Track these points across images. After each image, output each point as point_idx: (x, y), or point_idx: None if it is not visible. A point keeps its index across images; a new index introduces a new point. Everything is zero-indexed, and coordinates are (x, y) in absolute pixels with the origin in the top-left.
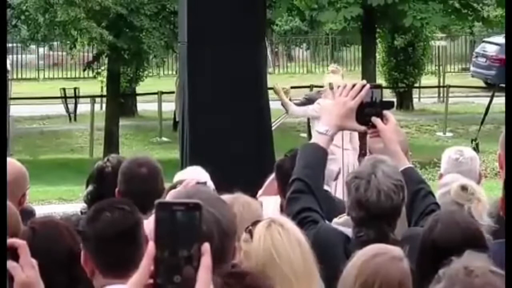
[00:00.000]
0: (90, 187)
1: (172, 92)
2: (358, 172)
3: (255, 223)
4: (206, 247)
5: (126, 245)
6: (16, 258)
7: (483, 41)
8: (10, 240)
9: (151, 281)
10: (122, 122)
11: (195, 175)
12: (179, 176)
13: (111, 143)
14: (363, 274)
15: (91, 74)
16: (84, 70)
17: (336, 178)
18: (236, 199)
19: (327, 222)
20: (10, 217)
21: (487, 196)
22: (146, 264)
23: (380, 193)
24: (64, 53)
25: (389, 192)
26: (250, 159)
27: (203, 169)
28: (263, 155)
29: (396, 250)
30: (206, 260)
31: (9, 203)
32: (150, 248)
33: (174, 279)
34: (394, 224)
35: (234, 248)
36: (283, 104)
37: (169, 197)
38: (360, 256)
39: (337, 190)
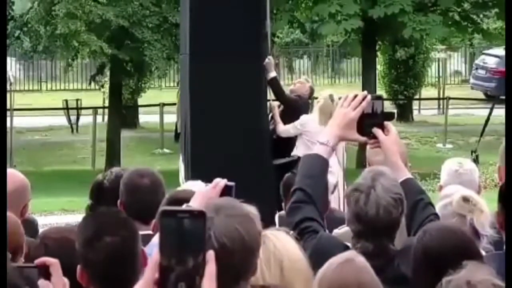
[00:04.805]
0: (89, 203)
1: (174, 104)
2: (358, 185)
3: None
4: (210, 255)
5: (124, 270)
6: (48, 276)
7: (483, 53)
8: (42, 259)
9: None
10: (124, 133)
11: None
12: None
13: (113, 155)
14: (324, 282)
15: (93, 86)
16: (89, 84)
17: (333, 191)
18: None
19: (327, 232)
20: (12, 227)
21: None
22: (150, 271)
23: (379, 207)
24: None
25: (388, 207)
26: (251, 170)
27: (203, 183)
28: (263, 165)
29: (351, 253)
30: (210, 268)
31: (11, 214)
32: (155, 256)
33: (178, 286)
34: (393, 236)
35: (255, 265)
36: (274, 122)
37: (198, 206)
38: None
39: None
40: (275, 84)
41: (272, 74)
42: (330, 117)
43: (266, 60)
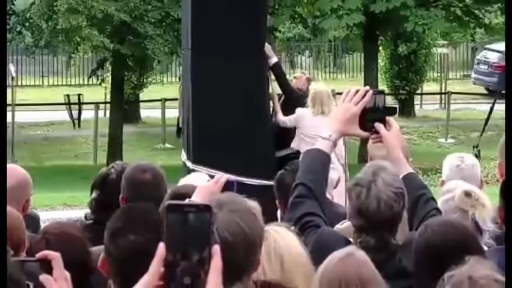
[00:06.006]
0: (94, 194)
1: (176, 99)
2: (359, 179)
3: None
4: (216, 249)
5: (143, 271)
6: (49, 270)
7: (485, 48)
8: (44, 252)
9: (160, 283)
10: (126, 128)
11: (198, 182)
12: (182, 182)
13: (115, 150)
14: (325, 277)
15: (95, 81)
16: (89, 78)
17: (335, 186)
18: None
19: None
20: (14, 222)
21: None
22: (155, 266)
23: (380, 202)
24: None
25: (389, 201)
26: (253, 165)
27: (205, 178)
28: (266, 160)
29: (352, 248)
30: (216, 262)
31: (13, 209)
32: (161, 250)
33: (184, 280)
34: (395, 230)
35: (258, 261)
36: (273, 111)
37: (200, 200)
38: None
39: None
40: (278, 70)
41: (274, 59)
42: (322, 104)
43: (265, 47)
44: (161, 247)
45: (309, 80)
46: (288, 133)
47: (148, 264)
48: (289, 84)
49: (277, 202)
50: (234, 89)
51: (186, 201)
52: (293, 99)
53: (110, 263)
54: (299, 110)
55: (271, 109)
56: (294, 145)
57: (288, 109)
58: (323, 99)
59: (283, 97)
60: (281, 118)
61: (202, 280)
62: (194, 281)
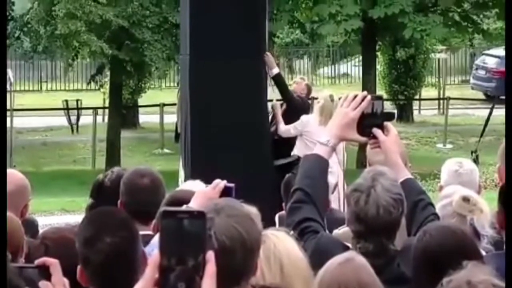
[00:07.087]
0: (89, 202)
1: (174, 104)
2: (357, 185)
3: None
4: (210, 255)
5: (124, 271)
6: (48, 276)
7: (483, 54)
8: (42, 259)
9: None
10: (124, 133)
11: (195, 188)
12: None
13: (113, 155)
14: (324, 282)
15: (93, 86)
16: (88, 84)
17: (333, 191)
18: None
19: (327, 232)
20: (12, 227)
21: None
22: (150, 272)
23: (379, 207)
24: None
25: (388, 207)
26: (251, 171)
27: (202, 183)
28: (264, 165)
29: (351, 253)
30: (210, 268)
31: (11, 214)
32: (155, 256)
33: (178, 286)
34: (393, 236)
35: (256, 265)
36: (276, 122)
37: (198, 205)
38: (322, 270)
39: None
40: (279, 80)
41: (275, 70)
42: (331, 117)
43: (265, 57)
44: (156, 253)
45: (308, 87)
46: (287, 141)
47: (129, 263)
48: (291, 93)
49: (283, 205)
50: (233, 90)
51: (184, 206)
52: (295, 107)
53: (89, 271)
54: (304, 117)
55: (270, 117)
56: (297, 151)
57: (290, 117)
58: (332, 112)
59: (284, 106)
60: (284, 127)
61: (197, 286)
62: (188, 287)
